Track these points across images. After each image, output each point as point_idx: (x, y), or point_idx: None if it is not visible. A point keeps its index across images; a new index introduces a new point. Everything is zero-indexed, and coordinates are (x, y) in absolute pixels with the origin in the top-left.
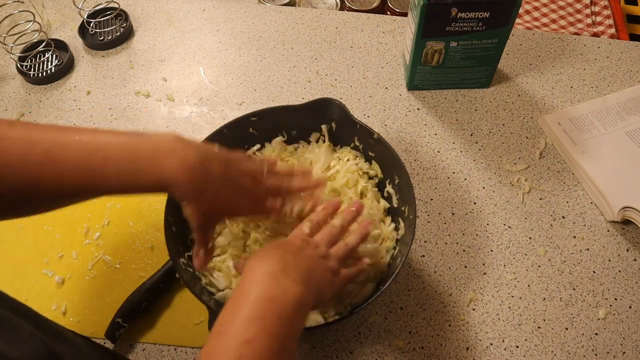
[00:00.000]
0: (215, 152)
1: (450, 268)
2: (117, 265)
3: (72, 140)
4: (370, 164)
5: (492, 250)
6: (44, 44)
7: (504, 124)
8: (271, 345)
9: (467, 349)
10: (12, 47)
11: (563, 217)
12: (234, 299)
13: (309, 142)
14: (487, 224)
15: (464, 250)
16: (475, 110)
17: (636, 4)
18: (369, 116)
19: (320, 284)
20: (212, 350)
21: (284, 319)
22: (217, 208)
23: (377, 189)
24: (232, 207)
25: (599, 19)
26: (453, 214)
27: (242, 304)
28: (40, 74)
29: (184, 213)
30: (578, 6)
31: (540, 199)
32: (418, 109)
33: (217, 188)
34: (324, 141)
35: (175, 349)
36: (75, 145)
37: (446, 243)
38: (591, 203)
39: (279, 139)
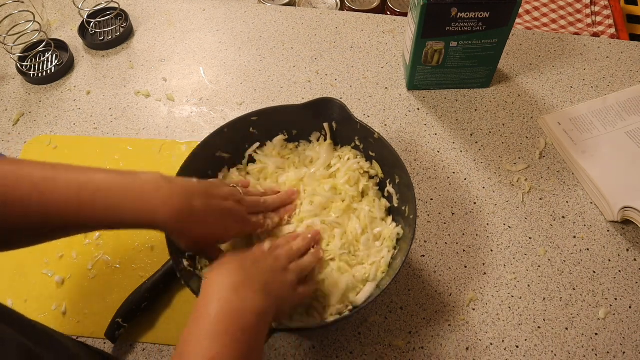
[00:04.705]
0: (195, 185)
1: (450, 268)
2: (117, 265)
3: (61, 175)
4: (371, 163)
5: (492, 250)
6: (44, 44)
7: (504, 124)
8: (235, 358)
9: (467, 349)
10: (12, 47)
11: (563, 217)
12: (194, 316)
13: (310, 142)
14: (487, 224)
15: (464, 250)
16: (475, 110)
17: (636, 4)
18: (369, 116)
19: (279, 294)
20: None
21: (247, 331)
22: (207, 237)
23: (377, 188)
24: (221, 232)
25: (599, 19)
26: (453, 214)
27: (203, 322)
28: (40, 74)
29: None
30: (578, 6)
31: (540, 199)
32: (418, 109)
33: (202, 220)
34: (325, 139)
35: (175, 349)
36: (64, 179)
37: (446, 243)
38: (591, 203)
39: (280, 137)
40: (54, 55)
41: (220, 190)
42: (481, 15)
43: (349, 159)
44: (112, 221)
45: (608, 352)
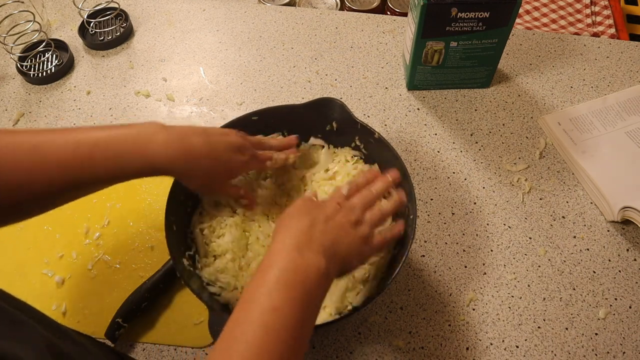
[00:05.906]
0: (192, 127)
1: (450, 268)
2: (117, 265)
3: (58, 136)
4: (372, 164)
5: (492, 250)
6: (44, 44)
7: (504, 124)
8: (295, 313)
9: (467, 349)
10: (12, 47)
11: (563, 217)
12: (261, 269)
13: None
14: (487, 224)
15: (464, 250)
16: (475, 110)
17: (636, 4)
18: (369, 116)
19: (346, 254)
20: (239, 316)
21: (307, 287)
22: (214, 174)
23: None
24: (228, 166)
25: (599, 19)
26: (453, 214)
27: (269, 274)
28: (40, 74)
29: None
30: (578, 6)
31: (540, 199)
32: (418, 109)
33: (205, 155)
34: (322, 147)
35: (175, 349)
36: (61, 138)
37: (446, 243)
38: (591, 203)
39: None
40: (54, 55)
41: (218, 129)
42: (481, 15)
43: (347, 161)
44: (113, 172)
45: (608, 352)
